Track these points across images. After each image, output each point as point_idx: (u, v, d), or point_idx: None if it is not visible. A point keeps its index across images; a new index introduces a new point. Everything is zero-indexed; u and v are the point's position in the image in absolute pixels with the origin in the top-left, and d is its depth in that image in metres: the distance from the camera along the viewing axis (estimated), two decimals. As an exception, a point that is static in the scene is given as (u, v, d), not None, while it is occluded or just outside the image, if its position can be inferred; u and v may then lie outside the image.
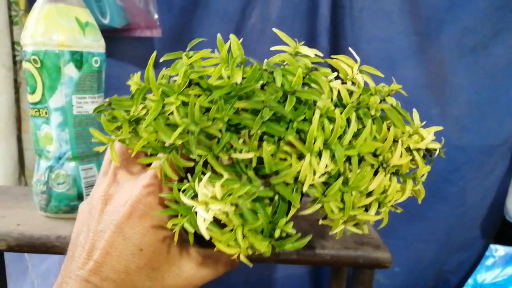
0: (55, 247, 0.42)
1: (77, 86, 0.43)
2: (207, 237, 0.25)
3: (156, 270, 0.28)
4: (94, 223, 0.28)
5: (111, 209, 0.28)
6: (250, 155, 0.24)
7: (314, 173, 0.24)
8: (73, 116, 0.44)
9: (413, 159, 0.29)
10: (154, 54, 0.29)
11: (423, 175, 0.30)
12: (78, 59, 0.43)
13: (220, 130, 0.25)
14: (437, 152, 0.31)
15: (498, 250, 0.96)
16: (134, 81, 0.30)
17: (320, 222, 0.29)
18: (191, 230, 0.26)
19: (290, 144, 0.25)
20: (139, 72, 0.30)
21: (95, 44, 0.45)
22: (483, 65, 0.72)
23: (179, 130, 0.25)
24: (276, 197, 0.25)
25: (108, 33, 0.71)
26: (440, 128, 0.30)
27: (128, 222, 0.27)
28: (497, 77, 0.73)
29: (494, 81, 0.73)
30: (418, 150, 0.29)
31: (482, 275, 0.92)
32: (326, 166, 0.25)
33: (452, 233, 0.84)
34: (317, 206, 0.26)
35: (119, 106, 0.28)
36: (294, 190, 0.25)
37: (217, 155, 0.25)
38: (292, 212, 0.25)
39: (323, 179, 0.26)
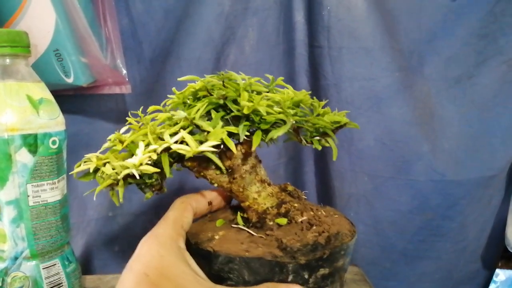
0: None
1: (32, 174, 0.38)
2: None
3: None
4: None
5: None
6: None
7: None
8: (29, 208, 0.38)
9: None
10: None
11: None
12: (32, 142, 0.38)
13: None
14: None
15: (499, 275, 0.94)
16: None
17: None
18: None
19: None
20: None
21: (51, 122, 0.39)
22: (470, 95, 0.70)
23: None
24: None
25: (73, 91, 0.66)
26: None
27: None
28: (486, 107, 0.70)
29: (483, 111, 0.70)
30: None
31: (486, 301, 0.89)
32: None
33: (454, 269, 0.80)
34: None
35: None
36: None
37: None
38: None
39: None
